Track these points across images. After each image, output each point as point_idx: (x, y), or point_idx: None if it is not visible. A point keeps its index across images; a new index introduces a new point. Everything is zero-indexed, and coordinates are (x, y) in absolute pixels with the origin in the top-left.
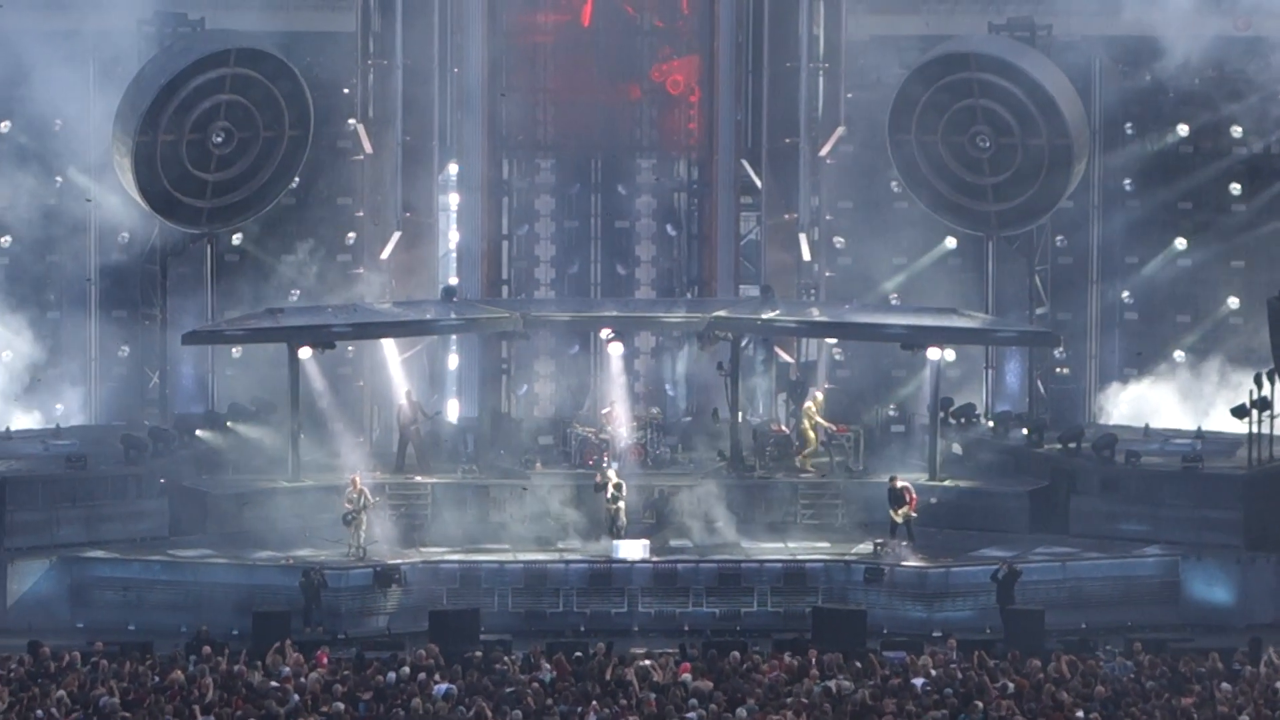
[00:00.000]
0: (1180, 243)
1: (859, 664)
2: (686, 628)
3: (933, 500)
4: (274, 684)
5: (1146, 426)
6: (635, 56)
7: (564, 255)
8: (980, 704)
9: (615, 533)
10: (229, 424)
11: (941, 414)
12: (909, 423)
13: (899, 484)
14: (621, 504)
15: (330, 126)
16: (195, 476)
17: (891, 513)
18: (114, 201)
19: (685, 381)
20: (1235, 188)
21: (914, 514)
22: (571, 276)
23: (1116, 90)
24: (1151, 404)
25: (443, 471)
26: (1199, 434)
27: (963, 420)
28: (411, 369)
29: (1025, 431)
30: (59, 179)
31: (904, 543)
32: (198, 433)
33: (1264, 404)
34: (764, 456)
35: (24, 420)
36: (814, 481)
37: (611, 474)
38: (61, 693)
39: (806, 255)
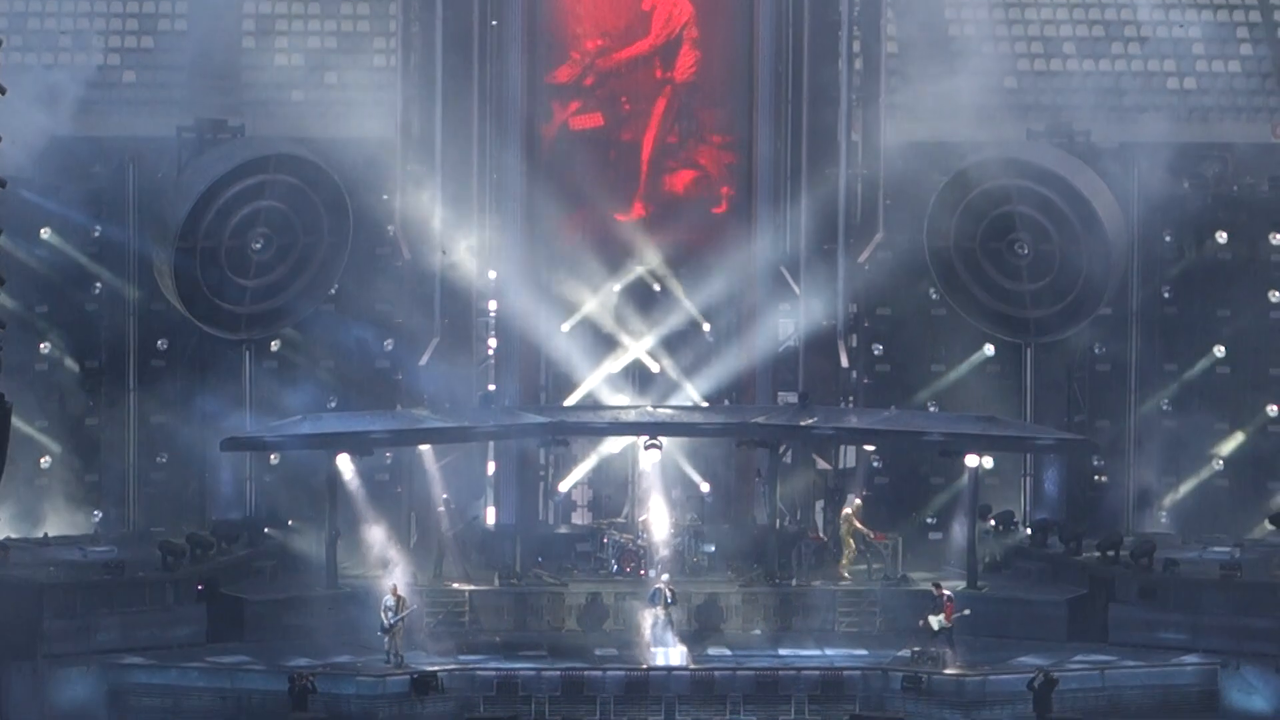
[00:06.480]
0: (1219, 350)
1: None
2: None
3: (966, 612)
4: None
5: (1184, 533)
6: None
7: (601, 362)
8: None
9: (663, 640)
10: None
11: (980, 521)
12: (947, 530)
13: (943, 592)
14: (673, 611)
15: (369, 232)
16: (233, 583)
17: (930, 619)
18: (154, 307)
19: (723, 488)
20: (1274, 295)
21: (948, 623)
22: (609, 383)
23: (1155, 197)
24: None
25: (480, 579)
26: (1238, 542)
27: (1001, 527)
28: (449, 475)
29: (1061, 539)
30: (98, 285)
31: (946, 650)
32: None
33: None
34: (801, 564)
35: (62, 526)
36: (851, 589)
37: (665, 580)
38: None
39: (844, 362)
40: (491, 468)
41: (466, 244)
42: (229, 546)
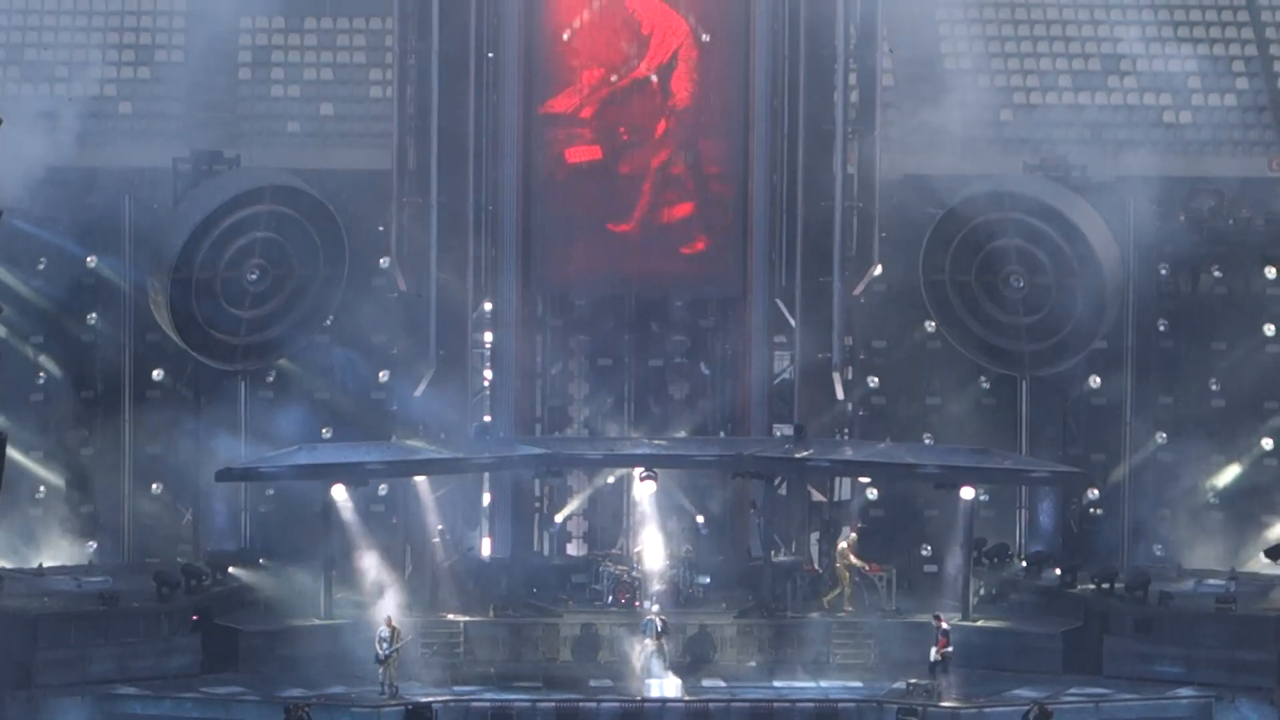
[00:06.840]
0: (1214, 384)
1: None
2: None
3: (949, 650)
4: None
5: (1179, 566)
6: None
7: (597, 393)
8: None
9: (654, 671)
10: (261, 560)
11: (974, 554)
12: (942, 562)
13: (941, 624)
14: (665, 642)
15: (364, 263)
16: (227, 614)
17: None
18: (149, 337)
19: (718, 520)
20: (1269, 329)
21: (939, 657)
22: (604, 415)
23: (1149, 231)
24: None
25: (475, 610)
26: (1233, 574)
27: (995, 560)
28: (444, 506)
29: (1058, 572)
30: (94, 316)
31: (941, 681)
32: (231, 570)
33: None
34: (796, 595)
35: (57, 556)
36: (847, 621)
37: (656, 611)
38: None
39: (840, 394)
40: (487, 499)
41: (453, 264)
42: (222, 577)
